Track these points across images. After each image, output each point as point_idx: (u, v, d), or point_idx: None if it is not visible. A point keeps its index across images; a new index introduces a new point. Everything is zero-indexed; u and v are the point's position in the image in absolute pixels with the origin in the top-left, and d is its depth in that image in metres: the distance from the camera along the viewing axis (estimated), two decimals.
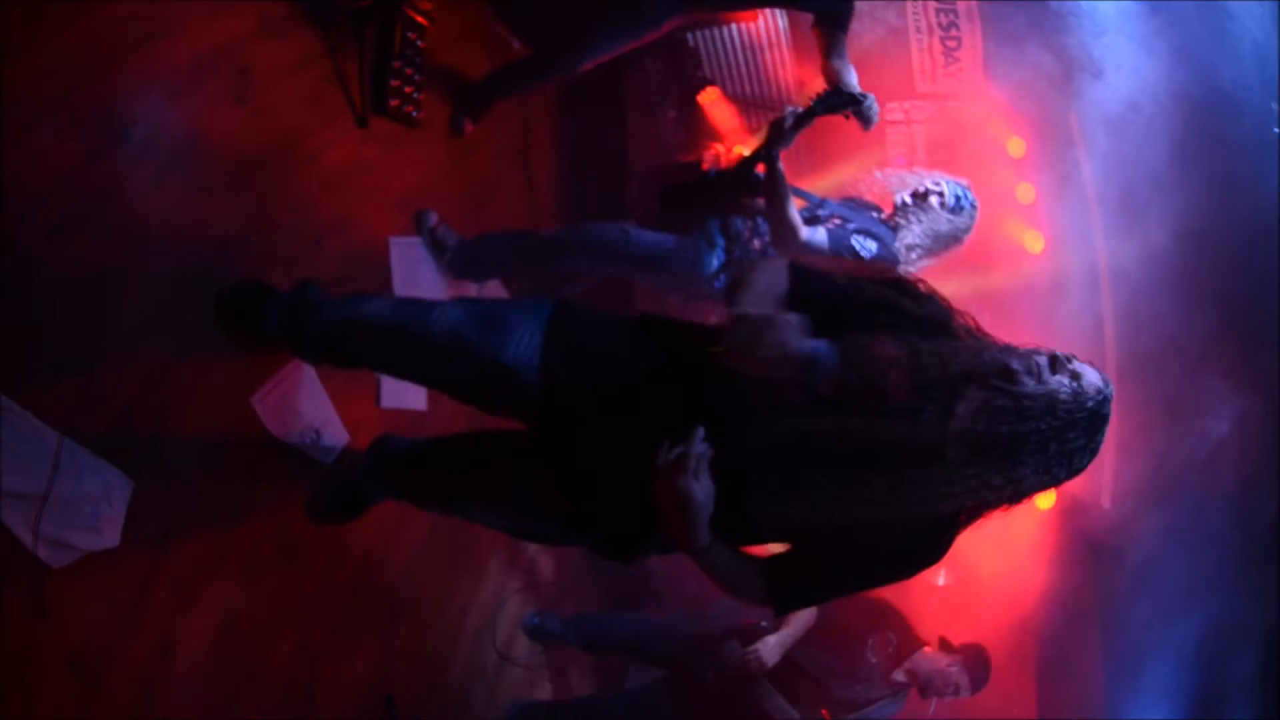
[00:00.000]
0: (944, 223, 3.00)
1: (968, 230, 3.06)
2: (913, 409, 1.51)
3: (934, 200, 3.01)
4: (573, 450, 1.86)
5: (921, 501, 1.53)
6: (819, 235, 2.86)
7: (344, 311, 2.09)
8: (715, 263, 3.12)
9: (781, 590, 1.78)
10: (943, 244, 3.03)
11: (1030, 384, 1.47)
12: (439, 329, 1.90)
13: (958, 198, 3.02)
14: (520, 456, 2.05)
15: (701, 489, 1.59)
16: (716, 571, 1.72)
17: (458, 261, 3.23)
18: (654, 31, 3.24)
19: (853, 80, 2.97)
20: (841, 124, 2.96)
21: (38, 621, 1.77)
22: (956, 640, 3.42)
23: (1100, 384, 1.51)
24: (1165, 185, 3.89)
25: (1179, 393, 3.64)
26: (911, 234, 2.99)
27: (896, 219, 3.04)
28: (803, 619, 3.33)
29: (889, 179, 3.21)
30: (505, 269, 3.42)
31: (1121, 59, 4.02)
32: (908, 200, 3.04)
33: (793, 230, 2.81)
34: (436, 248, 3.21)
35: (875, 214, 3.09)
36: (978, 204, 3.09)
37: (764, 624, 3.34)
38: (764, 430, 1.63)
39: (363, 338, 2.05)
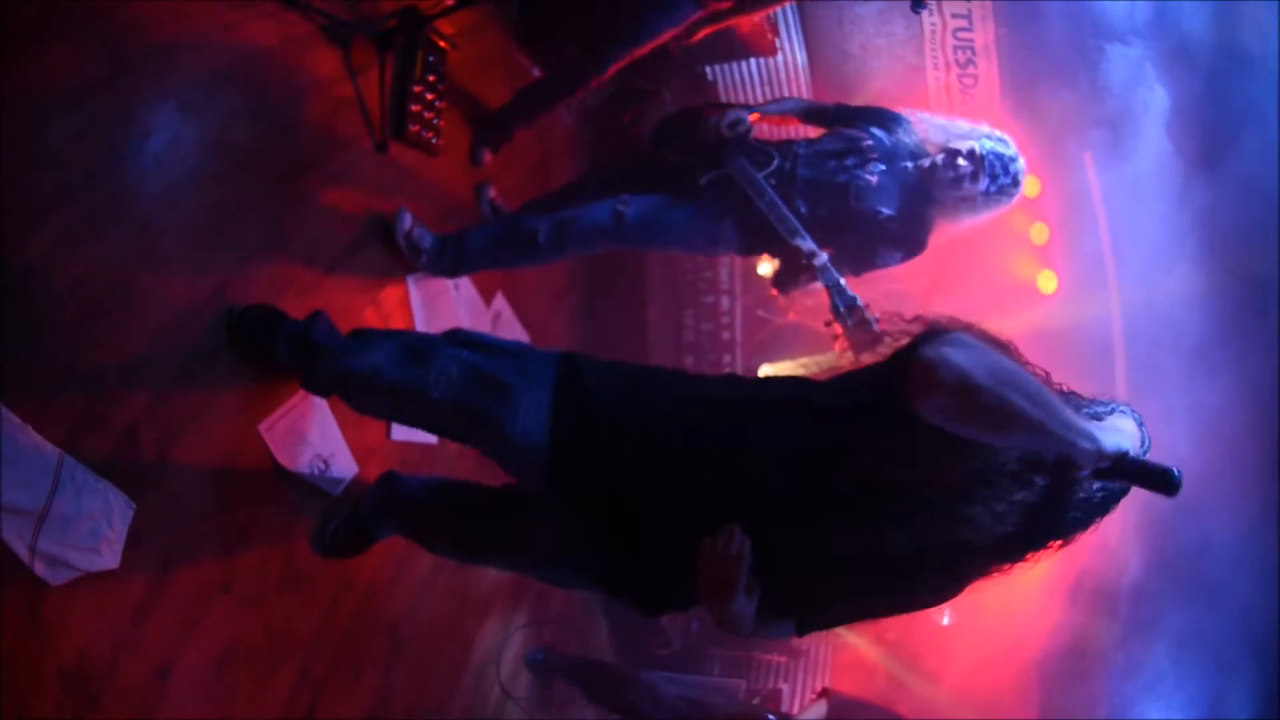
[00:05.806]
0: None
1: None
2: (951, 505, 1.52)
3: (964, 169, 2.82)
4: (591, 511, 1.81)
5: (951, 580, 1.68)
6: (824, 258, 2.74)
7: (343, 365, 2.06)
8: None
9: (810, 623, 1.81)
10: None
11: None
12: (438, 394, 1.85)
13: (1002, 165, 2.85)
14: (536, 511, 2.03)
15: (749, 603, 1.59)
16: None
17: (438, 262, 3.08)
18: (674, 27, 3.21)
19: None
20: None
21: (33, 636, 1.71)
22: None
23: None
24: (1181, 225, 3.89)
25: (1189, 438, 3.61)
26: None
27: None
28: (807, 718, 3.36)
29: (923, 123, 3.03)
30: (491, 263, 3.23)
31: (1139, 99, 4.03)
32: (938, 164, 2.86)
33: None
34: (413, 251, 3.02)
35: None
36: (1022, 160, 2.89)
37: (770, 716, 3.34)
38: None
39: (360, 395, 2.09)
